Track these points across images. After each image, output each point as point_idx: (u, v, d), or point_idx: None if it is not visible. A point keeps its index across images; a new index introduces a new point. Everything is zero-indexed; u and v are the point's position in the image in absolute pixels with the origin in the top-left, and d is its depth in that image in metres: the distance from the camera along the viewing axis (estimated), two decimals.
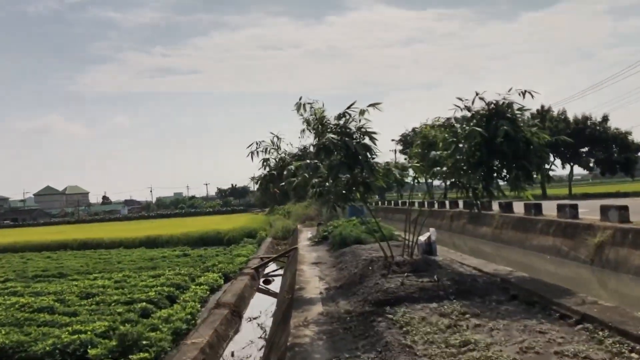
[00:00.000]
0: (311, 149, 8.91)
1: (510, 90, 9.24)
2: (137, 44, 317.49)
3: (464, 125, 9.31)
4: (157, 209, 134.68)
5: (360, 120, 8.46)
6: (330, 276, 11.28)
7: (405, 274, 8.59)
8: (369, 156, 8.35)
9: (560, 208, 21.28)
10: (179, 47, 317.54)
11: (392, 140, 73.52)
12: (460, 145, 8.99)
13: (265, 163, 10.62)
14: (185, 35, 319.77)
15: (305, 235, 24.99)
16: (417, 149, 11.11)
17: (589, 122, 49.48)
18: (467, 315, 6.63)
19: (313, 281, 10.93)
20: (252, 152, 10.65)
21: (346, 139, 8.03)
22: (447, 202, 41.85)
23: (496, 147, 9.06)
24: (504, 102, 9.10)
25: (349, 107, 8.49)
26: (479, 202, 9.48)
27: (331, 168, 8.30)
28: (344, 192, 8.67)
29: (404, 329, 6.14)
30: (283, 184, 9.35)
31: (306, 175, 8.48)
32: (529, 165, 8.90)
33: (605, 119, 50.06)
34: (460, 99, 9.41)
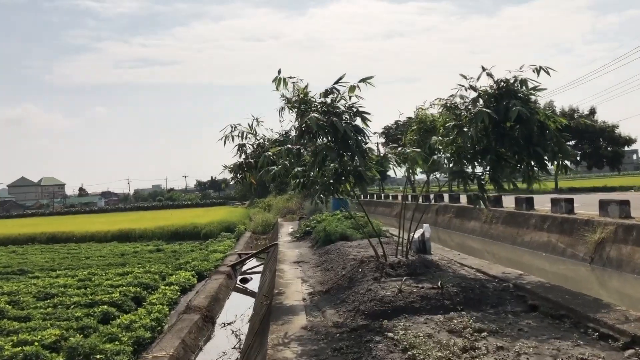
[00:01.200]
0: (293, 132, 7.57)
1: (521, 67, 8.04)
2: (116, 34, 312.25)
3: (469, 107, 8.09)
4: (135, 201, 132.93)
5: (350, 99, 7.21)
6: (315, 278, 10.02)
7: (403, 278, 7.35)
8: (361, 140, 7.12)
9: (554, 202, 20.30)
10: (159, 37, 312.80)
11: (375, 133, 72.45)
12: (465, 129, 7.77)
13: (240, 149, 9.27)
14: (165, 26, 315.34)
15: (287, 229, 23.69)
16: (413, 136, 9.89)
17: (576, 114, 48.82)
18: (484, 334, 5.41)
19: (295, 284, 9.66)
20: (225, 137, 9.30)
21: (334, 119, 6.77)
22: (431, 196, 40.88)
23: (506, 131, 7.87)
24: (515, 80, 7.89)
25: (337, 82, 7.18)
26: (485, 195, 8.27)
27: (316, 154, 7.04)
28: (331, 182, 7.40)
29: (409, 353, 4.89)
30: (260, 173, 8.09)
31: (287, 163, 7.21)
32: (543, 153, 7.72)
33: (592, 111, 49.48)
34: (464, 77, 8.18)
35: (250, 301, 14.27)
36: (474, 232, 26.89)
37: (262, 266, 19.38)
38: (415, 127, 9.77)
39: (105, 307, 11.68)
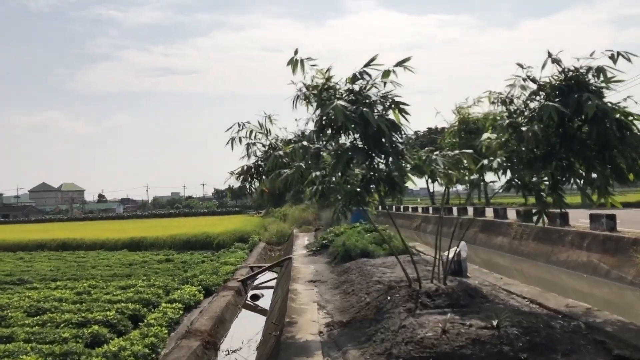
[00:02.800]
0: (309, 126, 6.09)
1: (592, 53, 6.54)
2: (138, 43, 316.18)
3: (527, 101, 6.60)
4: (153, 208, 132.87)
5: (384, 85, 5.77)
6: (333, 303, 8.55)
7: (447, 315, 5.84)
8: (396, 139, 5.69)
9: (594, 218, 18.56)
10: (180, 46, 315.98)
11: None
12: (524, 128, 6.27)
13: (249, 150, 7.85)
14: (185, 35, 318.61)
15: (302, 241, 22.25)
16: (451, 138, 8.41)
17: None
18: None
19: (310, 310, 8.21)
20: (232, 139, 7.91)
21: (364, 109, 5.34)
22: (454, 208, 39.09)
23: (574, 132, 6.37)
24: (589, 69, 6.37)
25: (367, 64, 5.74)
26: (546, 210, 6.75)
27: (339, 155, 5.62)
28: (357, 191, 5.95)
29: None
30: (270, 177, 6.69)
31: (302, 165, 5.81)
32: (622, 160, 6.19)
33: None
34: (521, 66, 6.70)
35: (260, 321, 12.86)
36: (502, 249, 25.15)
37: (275, 280, 17.97)
38: (455, 127, 8.27)
39: (97, 327, 10.40)
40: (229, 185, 8.14)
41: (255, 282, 18.41)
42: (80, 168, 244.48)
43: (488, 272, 10.83)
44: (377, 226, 18.89)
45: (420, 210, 49.83)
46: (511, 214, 27.55)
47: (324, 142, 5.81)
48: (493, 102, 7.01)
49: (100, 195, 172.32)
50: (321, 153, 5.82)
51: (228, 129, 7.86)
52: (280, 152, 6.21)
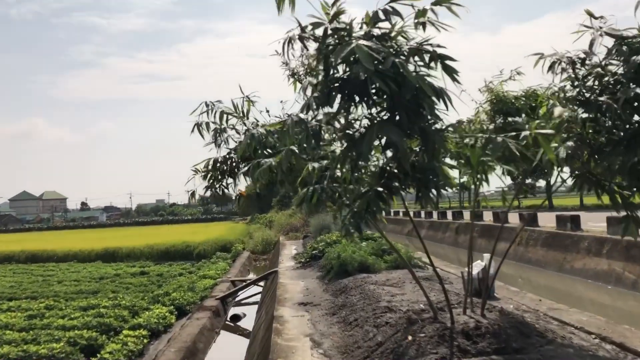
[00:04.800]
0: (307, 93, 3.92)
1: None
2: (122, 50, 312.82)
3: (607, 62, 4.71)
4: (137, 215, 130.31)
5: (423, 28, 3.71)
6: (331, 338, 6.59)
7: None
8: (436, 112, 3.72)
9: (612, 222, 16.80)
10: (164, 53, 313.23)
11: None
12: (603, 98, 4.39)
13: (217, 138, 5.79)
14: (170, 42, 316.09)
15: (289, 251, 20.24)
16: (478, 125, 6.51)
17: None
18: None
19: (301, 349, 6.25)
20: (197, 125, 5.92)
21: (396, 59, 3.37)
22: (449, 212, 37.28)
23: None
24: None
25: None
26: (634, 213, 4.84)
27: (353, 140, 3.63)
28: (378, 191, 3.90)
29: None
30: (246, 167, 4.65)
31: (294, 149, 3.82)
32: None
33: None
34: (591, 15, 4.82)
35: (242, 346, 10.87)
36: (502, 255, 23.30)
37: (260, 294, 15.97)
38: (488, 107, 6.37)
39: None
40: (191, 190, 6.10)
41: (238, 297, 16.40)
42: (62, 176, 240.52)
43: (518, 291, 8.92)
44: (371, 233, 17.04)
45: (412, 214, 47.81)
46: (512, 219, 25.84)
47: (332, 116, 3.82)
48: (550, 68, 5.09)
49: (83, 204, 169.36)
50: (320, 130, 3.85)
51: (193, 112, 5.90)
52: (261, 129, 4.28)
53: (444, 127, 3.79)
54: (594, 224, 20.49)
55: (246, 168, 4.51)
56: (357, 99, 3.65)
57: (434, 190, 3.96)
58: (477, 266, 8.51)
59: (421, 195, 3.99)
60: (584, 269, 16.55)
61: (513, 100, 6.37)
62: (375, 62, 3.23)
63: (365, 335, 6.10)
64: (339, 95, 3.61)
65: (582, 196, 47.32)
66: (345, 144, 3.75)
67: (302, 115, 3.72)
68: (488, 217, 29.03)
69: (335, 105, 3.64)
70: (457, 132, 3.79)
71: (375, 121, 3.60)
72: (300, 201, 4.14)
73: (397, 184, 3.94)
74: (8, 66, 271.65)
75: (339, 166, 4.10)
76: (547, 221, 22.24)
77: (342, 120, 3.91)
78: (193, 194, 6.19)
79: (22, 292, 17.96)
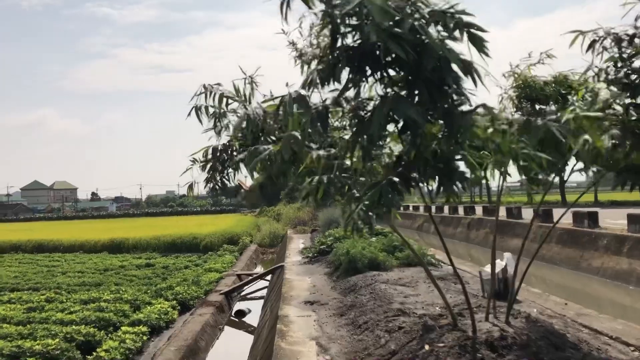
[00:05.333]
0: (311, 67, 3.38)
1: None
2: (132, 41, 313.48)
3: None
4: (147, 206, 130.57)
5: None
6: (339, 343, 6.07)
7: None
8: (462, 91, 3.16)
9: (633, 219, 16.16)
10: (174, 44, 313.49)
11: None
12: None
13: (217, 124, 5.26)
14: (180, 33, 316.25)
15: (297, 245, 19.77)
16: (509, 105, 5.97)
17: None
18: None
19: (306, 355, 5.74)
20: (196, 109, 5.41)
21: (415, 22, 2.80)
22: (460, 207, 36.56)
23: None
24: None
25: None
26: None
27: (364, 123, 3.08)
28: (393, 182, 3.32)
29: None
30: (241, 155, 4.10)
31: (296, 134, 3.27)
32: None
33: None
34: None
35: (246, 344, 10.40)
36: (517, 252, 22.68)
37: (266, 289, 15.50)
38: (513, 94, 5.80)
39: None
40: (189, 182, 5.57)
41: (244, 292, 15.95)
42: (73, 166, 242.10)
43: (540, 293, 8.37)
44: (382, 228, 16.45)
45: (422, 209, 47.12)
46: (526, 214, 25.20)
47: (339, 93, 3.26)
48: (590, 47, 4.51)
49: (94, 194, 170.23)
50: (327, 109, 3.29)
51: (192, 98, 5.37)
52: (257, 109, 3.74)
53: (471, 108, 3.23)
54: (613, 221, 19.83)
55: (241, 155, 3.98)
56: (368, 71, 3.09)
57: (457, 183, 3.41)
58: (497, 265, 7.96)
59: (443, 188, 3.44)
60: (602, 267, 15.92)
61: (543, 86, 5.79)
62: (391, 23, 2.68)
63: (377, 341, 5.58)
64: (347, 69, 3.06)
65: (597, 192, 46.36)
66: (354, 128, 3.20)
67: (303, 92, 3.17)
68: (501, 212, 28.34)
69: (343, 82, 3.10)
70: (490, 115, 3.24)
71: (394, 96, 3.02)
72: (305, 194, 3.61)
73: (415, 174, 3.39)
74: (19, 57, 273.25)
75: (347, 154, 3.57)
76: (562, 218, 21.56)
77: (351, 103, 3.36)
78: (191, 187, 5.66)
79: (26, 282, 17.71)
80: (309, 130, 3.13)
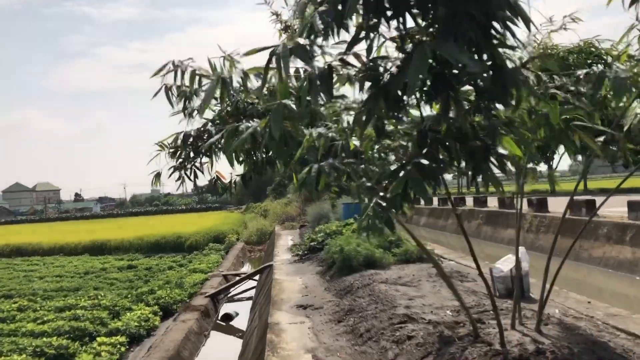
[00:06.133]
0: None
1: None
2: (114, 40, 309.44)
3: None
4: (132, 206, 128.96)
5: None
6: (340, 356, 5.30)
7: None
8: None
9: (633, 206, 15.60)
10: (156, 42, 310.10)
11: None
12: None
13: (186, 105, 4.41)
14: (162, 31, 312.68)
15: (285, 242, 18.97)
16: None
17: None
18: None
19: None
20: (166, 88, 4.59)
21: None
22: (454, 199, 35.79)
23: None
24: None
25: None
26: None
27: (382, 83, 2.31)
28: (422, 165, 2.49)
29: None
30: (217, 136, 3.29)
31: (290, 104, 2.47)
32: None
33: None
34: None
35: (235, 349, 9.61)
36: (512, 243, 22.03)
37: (254, 289, 14.70)
38: (536, 62, 5.05)
39: None
40: (157, 171, 4.74)
41: (231, 293, 15.13)
42: (56, 167, 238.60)
43: (557, 289, 7.65)
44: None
45: (422, 202, 46.14)
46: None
47: (348, 44, 2.46)
48: (634, 2, 3.77)
49: (77, 194, 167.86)
50: (331, 76, 2.48)
51: (154, 74, 4.51)
52: (237, 77, 2.94)
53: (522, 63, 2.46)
54: (609, 209, 19.28)
55: (217, 136, 3.18)
56: (388, 13, 2.29)
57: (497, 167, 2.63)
58: (508, 262, 7.25)
59: (482, 173, 2.65)
60: (604, 257, 15.35)
61: (567, 54, 5.05)
62: None
63: (383, 354, 4.82)
64: (360, 9, 2.27)
65: (586, 179, 46.01)
66: (368, 93, 2.40)
67: (301, 41, 2.36)
68: (493, 202, 27.88)
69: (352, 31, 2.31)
70: (548, 65, 2.46)
71: (427, 37, 2.21)
72: (301, 184, 2.82)
73: (447, 154, 2.59)
74: None
75: (354, 134, 2.77)
76: (555, 206, 21.02)
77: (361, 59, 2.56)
78: (158, 176, 4.83)
79: None
80: (307, 97, 2.33)
